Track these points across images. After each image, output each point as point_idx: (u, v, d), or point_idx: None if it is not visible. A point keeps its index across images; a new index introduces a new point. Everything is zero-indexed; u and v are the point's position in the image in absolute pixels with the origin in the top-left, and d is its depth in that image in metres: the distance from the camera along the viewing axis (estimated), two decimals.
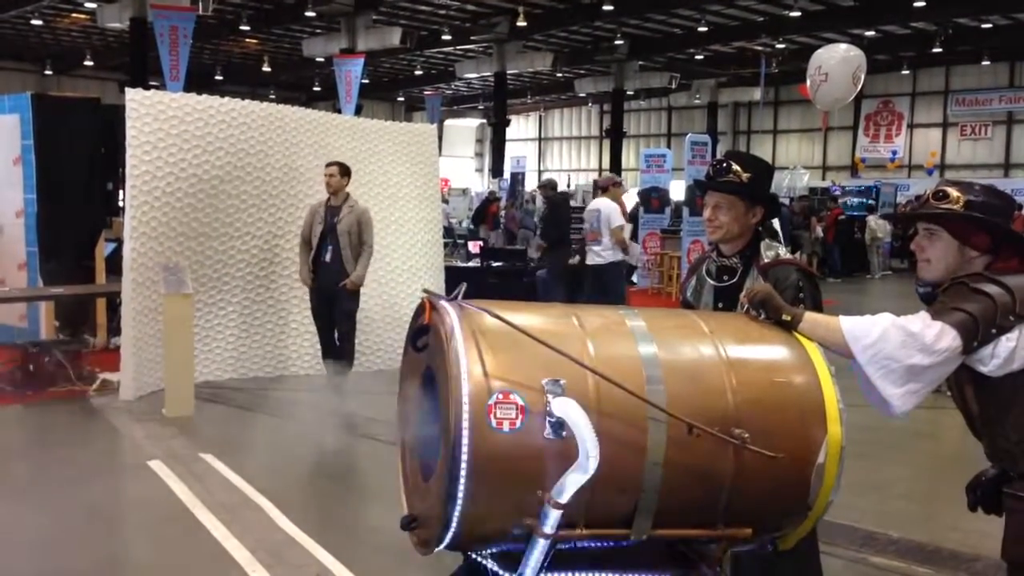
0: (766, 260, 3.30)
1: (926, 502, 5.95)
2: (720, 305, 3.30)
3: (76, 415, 7.90)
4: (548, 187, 15.91)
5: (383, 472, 6.17)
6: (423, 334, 2.44)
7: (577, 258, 13.57)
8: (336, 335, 8.63)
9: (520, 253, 16.35)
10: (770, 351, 2.56)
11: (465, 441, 2.17)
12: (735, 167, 3.27)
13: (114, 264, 10.01)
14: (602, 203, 11.22)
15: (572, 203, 28.43)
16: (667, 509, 2.34)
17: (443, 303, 2.37)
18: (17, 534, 5.17)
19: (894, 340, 2.45)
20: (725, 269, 3.35)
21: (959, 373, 2.57)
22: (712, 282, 3.38)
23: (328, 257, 8.28)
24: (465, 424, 2.17)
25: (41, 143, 10.05)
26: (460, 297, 2.38)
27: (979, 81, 32.35)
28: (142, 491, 6.03)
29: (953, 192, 2.60)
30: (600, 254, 11.04)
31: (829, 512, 2.55)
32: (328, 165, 8.44)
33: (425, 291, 2.48)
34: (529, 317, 2.43)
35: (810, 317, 2.60)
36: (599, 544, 2.41)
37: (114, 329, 9.91)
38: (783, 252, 3.37)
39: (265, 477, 6.30)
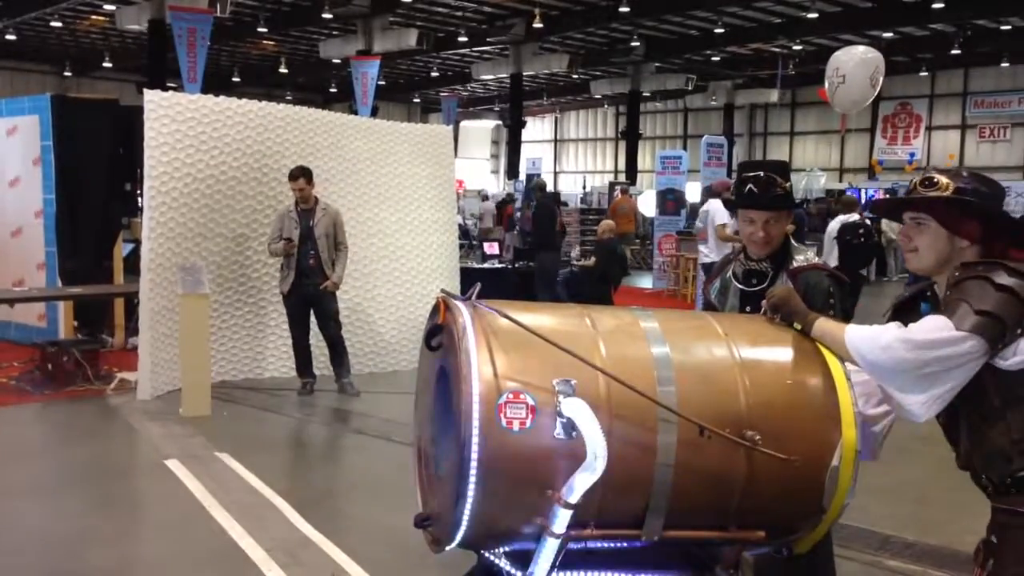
0: (796, 264, 3.26)
1: (942, 506, 5.91)
2: (747, 309, 3.24)
3: (94, 414, 7.96)
4: (537, 188, 15.90)
5: (398, 472, 6.18)
6: (438, 333, 2.46)
7: (583, 260, 13.70)
8: (328, 344, 8.66)
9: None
10: (785, 354, 2.55)
11: (475, 440, 2.19)
12: (779, 180, 3.22)
13: (132, 264, 10.08)
14: (711, 204, 11.60)
15: (585, 205, 28.61)
16: (678, 510, 2.34)
17: (457, 303, 2.39)
18: (35, 531, 5.22)
19: (901, 356, 2.34)
20: (754, 273, 3.30)
21: (980, 372, 2.42)
22: (739, 286, 3.33)
23: (311, 261, 8.28)
24: (475, 423, 2.19)
25: (60, 144, 10.13)
26: (474, 297, 2.40)
27: (998, 83, 32.08)
28: (159, 490, 6.07)
29: (941, 179, 2.50)
30: (707, 254, 11.49)
31: (844, 515, 2.53)
32: (293, 179, 8.25)
33: (442, 291, 2.50)
34: (542, 317, 2.44)
35: (820, 325, 2.55)
36: (612, 545, 2.42)
37: (132, 329, 9.98)
38: (813, 256, 3.32)
39: (281, 477, 6.33)
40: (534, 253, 13.66)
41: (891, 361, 2.36)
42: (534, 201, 26.49)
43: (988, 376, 2.41)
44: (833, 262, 11.52)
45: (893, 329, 2.41)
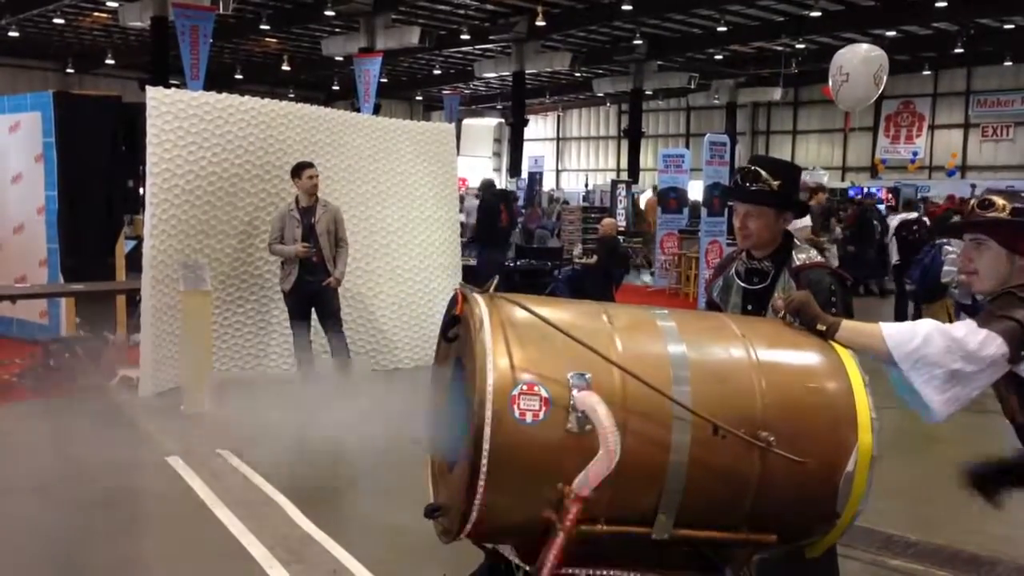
0: (798, 263, 3.26)
1: (945, 505, 5.89)
2: (749, 308, 3.26)
3: (95, 411, 7.93)
4: (483, 187, 15.96)
5: (401, 470, 6.16)
6: (455, 324, 2.46)
7: (584, 258, 13.75)
8: (329, 340, 8.65)
9: (550, 252, 16.45)
10: (802, 356, 2.53)
11: (487, 431, 2.17)
12: (764, 175, 3.21)
13: (134, 261, 10.07)
14: None
15: (587, 203, 28.59)
16: (690, 510, 2.32)
17: (474, 295, 2.39)
18: (36, 528, 5.21)
19: (937, 345, 2.41)
20: (756, 272, 3.30)
21: (1006, 382, 2.53)
22: (742, 284, 3.33)
23: (314, 259, 8.26)
24: (488, 414, 2.18)
25: (62, 141, 10.11)
26: (492, 290, 2.40)
27: (1001, 82, 32.07)
28: (160, 487, 6.06)
29: (999, 200, 2.59)
30: None
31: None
32: (309, 167, 8.28)
33: (460, 284, 2.51)
34: (558, 311, 2.43)
35: (847, 325, 2.57)
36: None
37: (134, 326, 9.96)
38: (814, 255, 3.33)
39: (283, 474, 6.32)
40: (480, 250, 13.80)
41: (930, 351, 2.42)
42: (536, 199, 26.60)
43: (1018, 395, 2.47)
44: (896, 257, 12.03)
45: (931, 322, 2.49)
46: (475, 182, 33.44)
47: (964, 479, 2.70)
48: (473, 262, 13.87)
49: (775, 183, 3.22)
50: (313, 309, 8.55)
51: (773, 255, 3.29)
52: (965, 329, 2.43)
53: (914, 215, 12.72)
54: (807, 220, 11.36)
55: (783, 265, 3.27)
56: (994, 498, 2.66)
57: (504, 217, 14.21)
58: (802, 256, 3.28)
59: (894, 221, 12.97)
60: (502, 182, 39.07)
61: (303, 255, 8.18)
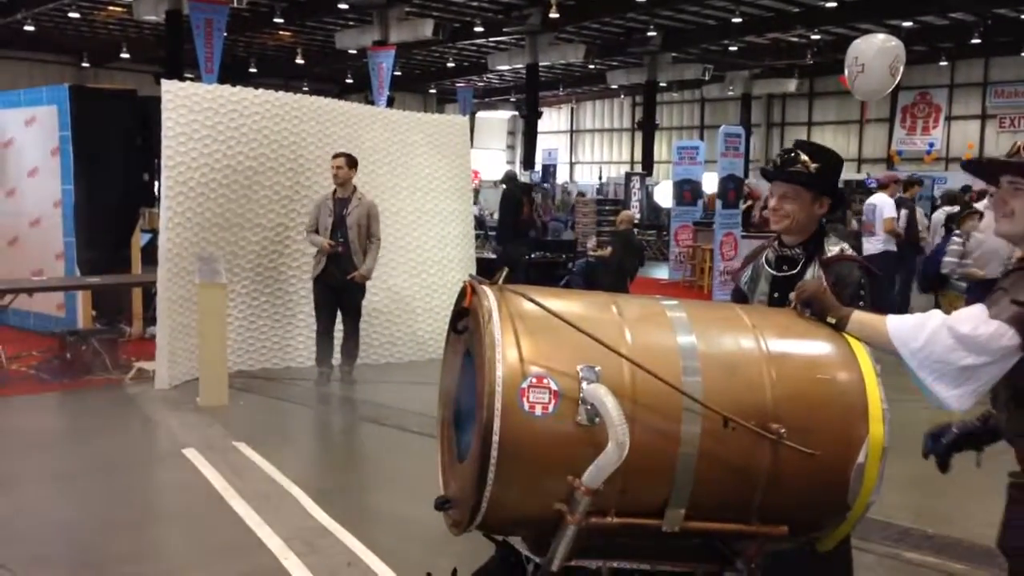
0: (829, 255, 3.23)
1: (962, 498, 5.87)
2: (776, 295, 3.23)
3: (112, 403, 8.00)
4: (505, 179, 15.98)
5: (414, 462, 6.20)
6: (464, 317, 2.46)
7: (599, 250, 13.72)
8: (344, 330, 8.68)
9: (563, 244, 16.44)
10: (813, 347, 2.51)
11: (497, 423, 2.18)
12: (803, 157, 3.20)
13: (150, 254, 10.12)
14: (878, 198, 12.32)
15: (601, 195, 28.57)
16: (700, 502, 2.32)
17: (483, 287, 2.39)
18: (53, 520, 5.25)
19: (943, 343, 2.34)
20: (786, 259, 3.28)
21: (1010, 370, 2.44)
22: (771, 271, 3.31)
23: (340, 249, 8.32)
24: (497, 406, 2.18)
25: (78, 134, 10.16)
26: (501, 282, 2.40)
27: (1018, 73, 31.73)
28: (176, 479, 6.09)
29: None
30: (873, 244, 12.09)
31: None
32: (335, 156, 8.41)
33: (470, 276, 2.51)
34: (568, 303, 2.43)
35: (856, 319, 2.53)
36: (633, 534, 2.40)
37: (150, 318, 10.02)
38: (847, 247, 3.29)
39: (298, 466, 6.35)
40: (500, 242, 13.79)
41: (936, 349, 2.35)
42: (548, 192, 26.57)
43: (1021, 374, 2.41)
44: None
45: (938, 315, 2.41)
46: (488, 175, 33.50)
47: (925, 446, 2.75)
48: (493, 255, 13.89)
49: (814, 166, 3.20)
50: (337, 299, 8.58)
51: (805, 244, 3.27)
52: (974, 321, 2.34)
53: (957, 208, 12.91)
54: (891, 211, 11.96)
55: (814, 255, 3.25)
56: (946, 466, 2.70)
57: (526, 210, 14.22)
58: (834, 249, 3.25)
59: (939, 215, 13.19)
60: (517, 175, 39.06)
61: (327, 251, 8.25)
